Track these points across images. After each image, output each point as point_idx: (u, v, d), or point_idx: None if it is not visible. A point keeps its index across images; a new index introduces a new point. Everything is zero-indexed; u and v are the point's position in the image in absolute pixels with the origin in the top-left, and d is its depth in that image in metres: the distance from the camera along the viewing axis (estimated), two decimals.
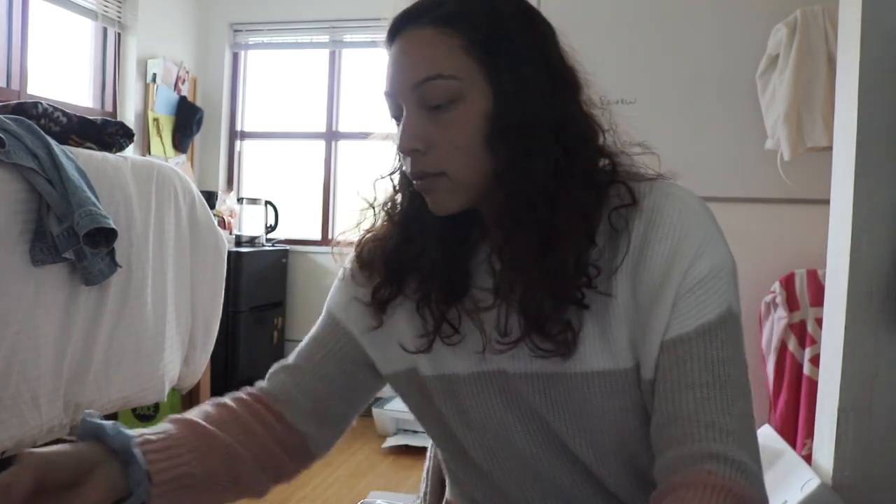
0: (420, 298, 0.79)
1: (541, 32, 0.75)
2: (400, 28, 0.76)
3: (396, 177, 0.82)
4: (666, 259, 0.69)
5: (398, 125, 0.76)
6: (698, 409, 0.66)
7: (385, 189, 0.84)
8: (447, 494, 0.94)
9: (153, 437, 0.70)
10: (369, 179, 0.85)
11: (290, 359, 0.88)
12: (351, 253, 0.86)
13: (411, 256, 0.79)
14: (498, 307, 0.73)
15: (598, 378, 0.72)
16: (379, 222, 0.83)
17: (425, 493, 1.06)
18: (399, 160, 0.82)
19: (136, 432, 0.69)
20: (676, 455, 0.65)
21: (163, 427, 0.73)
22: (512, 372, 0.75)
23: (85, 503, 0.59)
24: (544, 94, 0.72)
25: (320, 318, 0.90)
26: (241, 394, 0.85)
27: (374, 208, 0.84)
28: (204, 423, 0.75)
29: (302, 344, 0.89)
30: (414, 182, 0.76)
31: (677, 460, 0.65)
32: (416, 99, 0.73)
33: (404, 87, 0.73)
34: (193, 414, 0.78)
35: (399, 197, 0.82)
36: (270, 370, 0.89)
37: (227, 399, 0.83)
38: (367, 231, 0.84)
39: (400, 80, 0.74)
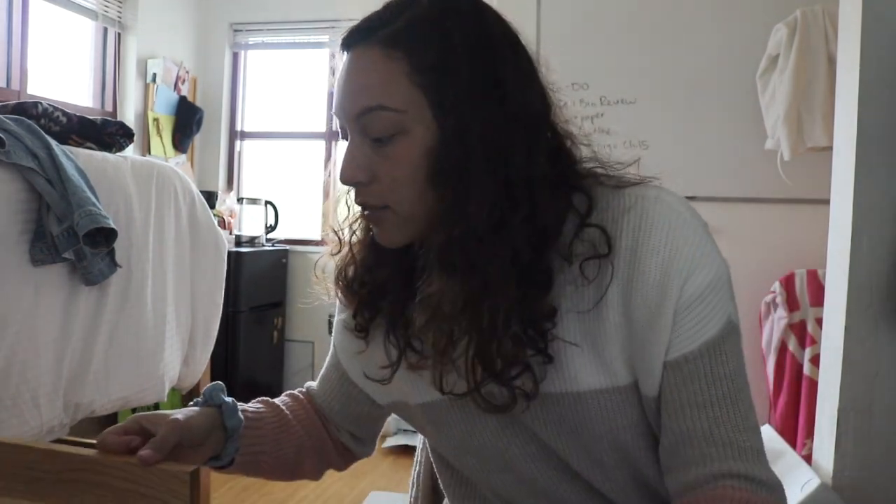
0: (387, 325, 0.77)
1: (499, 56, 0.67)
2: (350, 44, 0.70)
3: (349, 196, 0.78)
4: (660, 274, 0.66)
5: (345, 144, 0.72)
6: (712, 427, 0.65)
7: (350, 211, 0.80)
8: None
9: (251, 416, 0.82)
10: (332, 202, 0.82)
11: (316, 383, 0.94)
12: (334, 277, 0.82)
13: (376, 283, 0.77)
14: (445, 355, 0.69)
15: (595, 396, 0.69)
16: (346, 247, 0.80)
17: (416, 499, 1.04)
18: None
19: (241, 408, 0.81)
20: (696, 475, 0.65)
21: (256, 407, 0.85)
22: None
23: (194, 463, 0.69)
24: (494, 129, 0.65)
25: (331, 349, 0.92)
26: (305, 392, 0.94)
27: (337, 233, 0.80)
28: (286, 412, 0.87)
29: (322, 371, 0.93)
30: (362, 212, 0.74)
31: (697, 480, 0.65)
32: (359, 128, 0.68)
33: (349, 113, 0.68)
34: (280, 401, 0.90)
35: (359, 221, 0.79)
36: (305, 386, 0.95)
37: (298, 393, 0.93)
38: (336, 254, 0.80)
39: (344, 105, 0.69)
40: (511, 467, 0.77)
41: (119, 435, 0.70)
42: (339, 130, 0.72)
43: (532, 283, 0.66)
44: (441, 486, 0.91)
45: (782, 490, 0.66)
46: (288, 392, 0.94)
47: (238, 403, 0.81)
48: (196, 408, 0.78)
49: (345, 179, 0.69)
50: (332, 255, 0.81)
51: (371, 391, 0.85)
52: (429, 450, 0.94)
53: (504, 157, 0.65)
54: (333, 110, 0.71)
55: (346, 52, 0.71)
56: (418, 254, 0.74)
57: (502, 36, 0.69)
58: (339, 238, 0.80)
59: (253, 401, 0.87)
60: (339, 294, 0.80)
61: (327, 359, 0.91)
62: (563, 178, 0.69)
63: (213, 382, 0.80)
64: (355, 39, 0.69)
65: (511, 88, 0.67)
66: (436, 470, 0.91)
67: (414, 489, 1.05)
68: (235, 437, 0.78)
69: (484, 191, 0.64)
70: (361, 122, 0.67)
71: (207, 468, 0.80)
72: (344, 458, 0.93)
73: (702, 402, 0.66)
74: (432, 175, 0.66)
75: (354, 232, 0.79)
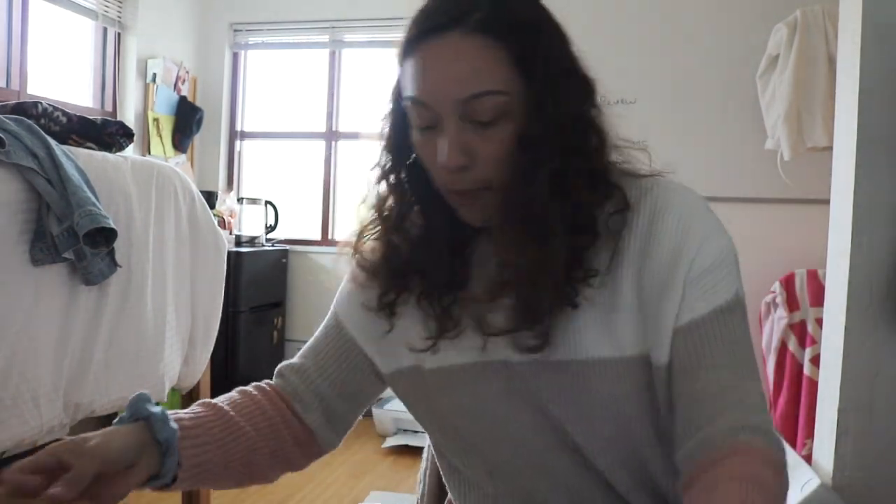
0: (420, 295, 0.80)
1: (567, 38, 0.75)
2: (438, 29, 0.70)
3: (392, 177, 0.81)
4: (672, 250, 0.71)
5: (420, 133, 0.74)
6: (725, 387, 0.68)
7: (380, 189, 0.82)
8: (449, 495, 0.94)
9: (188, 423, 0.76)
10: (365, 179, 0.83)
11: (297, 358, 0.91)
12: (351, 255, 0.85)
13: (411, 256, 0.79)
14: (494, 301, 0.74)
15: (602, 365, 0.72)
16: (376, 224, 0.82)
17: (422, 495, 1.06)
18: (388, 158, 0.80)
19: (173, 415, 0.75)
20: (711, 431, 0.66)
21: (194, 412, 0.80)
22: (515, 361, 0.75)
23: (126, 488, 0.66)
24: (570, 103, 0.72)
25: (327, 318, 0.92)
26: (263, 384, 0.89)
27: (377, 212, 0.83)
28: (231, 413, 0.81)
29: (309, 343, 0.91)
30: (450, 195, 0.75)
31: (714, 435, 0.66)
32: (461, 113, 0.70)
33: (448, 99, 0.69)
34: (222, 400, 0.84)
35: (393, 197, 0.81)
36: (277, 368, 0.91)
37: (251, 388, 0.87)
38: (365, 233, 0.83)
39: (444, 91, 0.69)
40: (511, 438, 0.79)
41: (26, 473, 0.63)
42: (420, 119, 0.73)
43: (588, 232, 0.73)
44: (445, 484, 0.91)
45: (784, 448, 0.69)
46: (238, 388, 0.88)
47: (171, 412, 0.75)
48: (119, 426, 0.71)
49: (451, 166, 0.71)
50: (365, 233, 0.83)
51: (380, 359, 0.86)
52: (433, 450, 0.94)
53: (575, 121, 0.72)
54: (416, 98, 0.71)
55: (428, 42, 0.70)
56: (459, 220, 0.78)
57: (557, 20, 0.76)
58: (370, 213, 0.83)
59: (194, 404, 0.82)
60: (364, 274, 0.83)
61: (320, 330, 0.91)
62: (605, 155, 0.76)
63: (137, 393, 0.73)
64: (445, 26, 0.69)
65: (577, 68, 0.75)
66: (440, 469, 0.91)
67: (421, 485, 1.06)
68: (172, 450, 0.71)
69: (561, 151, 0.71)
70: (467, 107, 0.69)
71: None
72: (304, 450, 0.87)
73: (713, 363, 0.69)
74: (522, 145, 0.71)
75: (392, 207, 0.81)
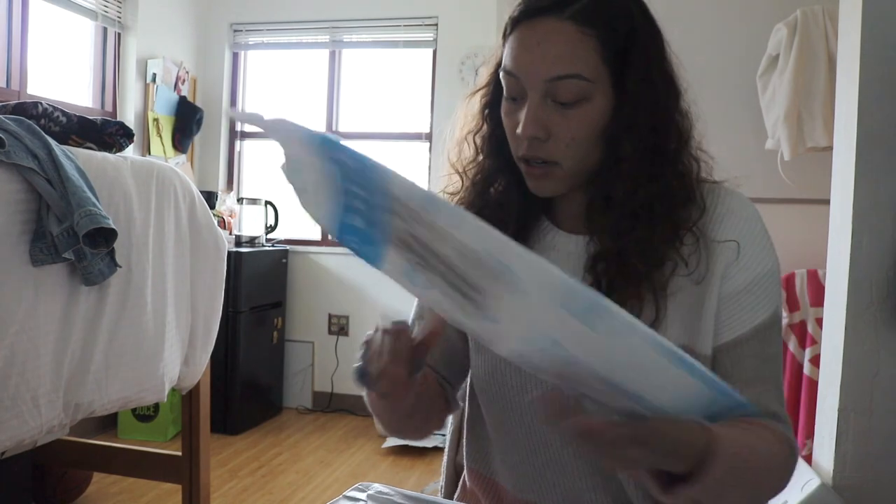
0: None
1: (662, 37, 0.80)
2: (538, 12, 0.76)
3: (479, 141, 0.87)
4: (724, 261, 0.77)
5: (508, 102, 0.80)
6: (759, 400, 0.76)
7: (464, 152, 0.88)
8: (466, 475, 0.97)
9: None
10: (455, 141, 0.89)
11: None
12: None
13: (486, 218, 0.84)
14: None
15: None
16: (462, 186, 0.88)
17: (442, 487, 1.08)
18: (482, 125, 0.86)
19: None
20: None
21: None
22: None
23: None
24: (658, 102, 0.77)
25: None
26: None
27: (460, 174, 0.89)
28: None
29: (412, 312, 0.98)
30: (522, 164, 0.80)
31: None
32: (545, 90, 0.75)
33: (536, 76, 0.75)
34: None
35: (481, 162, 0.87)
36: None
37: None
38: (452, 195, 0.89)
39: (533, 68, 0.75)
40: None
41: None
42: (508, 89, 0.79)
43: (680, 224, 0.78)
44: (466, 454, 0.96)
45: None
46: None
47: None
48: None
49: (526, 134, 0.76)
50: (450, 194, 0.89)
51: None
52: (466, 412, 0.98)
53: (662, 120, 0.78)
54: (509, 70, 0.77)
55: (528, 22, 0.77)
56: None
57: (657, 24, 0.80)
58: (461, 179, 0.88)
59: None
60: None
61: (415, 310, 0.95)
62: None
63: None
64: (546, 10, 0.75)
65: (668, 68, 0.80)
66: (466, 430, 0.96)
67: (443, 477, 1.09)
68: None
69: (650, 146, 0.76)
70: (551, 86, 0.75)
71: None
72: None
73: (751, 378, 0.77)
74: (604, 134, 0.77)
75: (478, 172, 0.87)
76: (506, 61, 0.78)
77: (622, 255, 0.76)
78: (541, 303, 0.50)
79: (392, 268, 0.62)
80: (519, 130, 0.77)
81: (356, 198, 0.60)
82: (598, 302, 0.48)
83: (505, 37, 0.80)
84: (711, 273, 0.77)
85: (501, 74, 0.79)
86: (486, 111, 0.87)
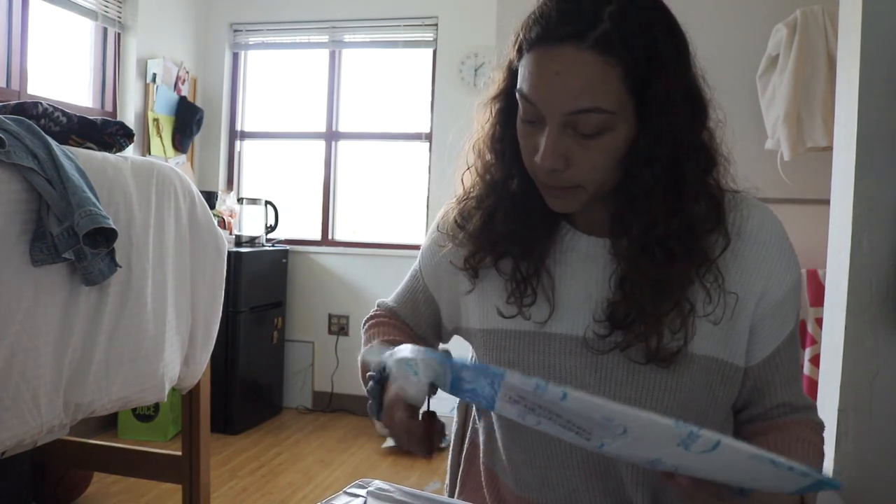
0: (513, 267, 0.85)
1: (686, 55, 0.77)
2: (557, 40, 0.71)
3: (499, 146, 0.85)
4: (762, 270, 0.79)
5: (524, 123, 0.77)
6: (792, 399, 0.83)
7: (483, 156, 0.87)
8: (482, 457, 0.98)
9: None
10: (472, 143, 0.88)
11: (391, 299, 1.03)
12: (449, 210, 0.92)
13: (507, 228, 0.84)
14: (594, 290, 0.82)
15: (702, 362, 0.79)
16: (480, 188, 0.88)
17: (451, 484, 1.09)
18: (498, 128, 0.84)
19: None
20: (765, 410, 0.85)
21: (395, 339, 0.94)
22: (601, 350, 0.81)
23: None
24: (683, 126, 0.75)
25: (412, 269, 1.01)
26: (393, 318, 1.02)
27: (482, 177, 0.88)
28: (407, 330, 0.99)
29: (399, 289, 1.03)
30: (541, 186, 0.79)
31: (768, 412, 0.84)
32: (565, 122, 0.72)
33: (556, 109, 0.72)
34: (399, 326, 0.99)
35: (498, 166, 0.85)
36: (385, 303, 1.04)
37: (391, 318, 1.01)
38: (468, 195, 0.89)
39: (552, 100, 0.72)
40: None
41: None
42: (526, 113, 0.76)
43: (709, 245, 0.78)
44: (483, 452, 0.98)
45: None
46: (385, 318, 1.01)
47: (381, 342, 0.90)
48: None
49: (545, 166, 0.74)
50: (459, 202, 0.90)
51: (444, 315, 0.97)
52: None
53: (687, 143, 0.75)
54: (528, 96, 0.74)
55: (545, 49, 0.72)
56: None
57: (682, 31, 0.78)
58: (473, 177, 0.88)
59: (382, 336, 0.95)
60: (460, 236, 0.88)
61: (403, 290, 1.02)
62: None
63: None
64: (562, 38, 0.71)
65: (692, 88, 0.77)
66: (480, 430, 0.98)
67: (448, 476, 1.10)
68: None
69: (675, 169, 0.75)
70: (572, 119, 0.72)
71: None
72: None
73: (783, 381, 0.83)
74: (624, 161, 0.75)
75: (496, 176, 0.86)
76: (522, 83, 0.75)
77: (647, 295, 0.77)
78: (654, 445, 0.58)
79: (503, 411, 0.65)
80: (537, 159, 0.75)
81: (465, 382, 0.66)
82: (713, 440, 0.55)
83: (520, 51, 0.76)
84: (743, 299, 0.79)
85: (518, 95, 0.76)
86: (502, 117, 0.84)
